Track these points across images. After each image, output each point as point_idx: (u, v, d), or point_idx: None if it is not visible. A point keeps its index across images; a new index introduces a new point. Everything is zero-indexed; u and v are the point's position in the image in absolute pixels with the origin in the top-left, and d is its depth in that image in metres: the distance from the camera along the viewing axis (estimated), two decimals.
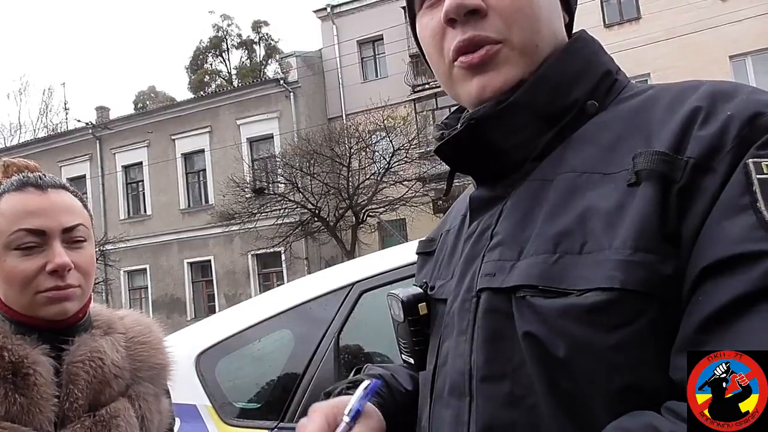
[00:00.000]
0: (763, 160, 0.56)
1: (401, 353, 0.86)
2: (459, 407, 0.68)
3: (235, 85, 26.83)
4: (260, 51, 36.86)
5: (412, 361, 0.84)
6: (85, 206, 1.12)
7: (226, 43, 36.77)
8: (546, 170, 0.70)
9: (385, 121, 17.58)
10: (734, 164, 0.57)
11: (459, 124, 0.75)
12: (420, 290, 0.83)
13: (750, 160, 0.56)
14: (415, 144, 17.72)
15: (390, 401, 0.84)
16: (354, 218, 17.27)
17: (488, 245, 0.71)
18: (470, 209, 0.79)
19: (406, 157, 17.46)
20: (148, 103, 35.15)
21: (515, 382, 0.63)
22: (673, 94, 0.66)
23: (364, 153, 17.56)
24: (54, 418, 0.98)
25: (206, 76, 36.50)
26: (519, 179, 0.72)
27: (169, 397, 1.21)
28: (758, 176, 0.55)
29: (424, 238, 0.97)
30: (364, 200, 17.24)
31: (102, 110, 24.89)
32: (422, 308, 0.81)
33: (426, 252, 0.94)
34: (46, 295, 1.01)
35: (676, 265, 0.57)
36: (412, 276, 1.68)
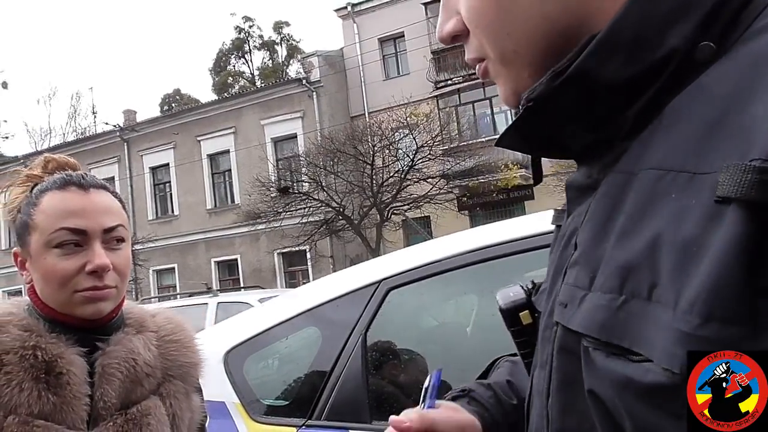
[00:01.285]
0: None
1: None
2: None
3: (258, 86, 27.01)
4: (282, 51, 37.15)
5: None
6: (124, 207, 1.13)
7: (248, 45, 37.11)
8: (633, 157, 0.50)
9: (408, 119, 17.56)
10: None
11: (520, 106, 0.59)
12: (523, 294, 0.70)
13: None
14: (439, 141, 17.67)
15: (496, 413, 0.78)
16: (378, 216, 17.29)
17: (571, 257, 0.55)
18: (566, 198, 0.62)
19: (429, 154, 17.41)
20: (173, 105, 35.59)
21: None
22: None
23: (387, 151, 17.56)
24: (86, 417, 0.99)
25: (229, 78, 36.86)
26: (610, 164, 0.53)
27: (201, 394, 1.22)
28: None
29: (559, 207, 0.74)
30: (388, 198, 17.24)
31: (129, 113, 25.31)
32: (525, 317, 0.69)
33: (558, 225, 0.71)
34: (84, 294, 1.02)
35: None
36: (440, 273, 1.68)
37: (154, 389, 1.09)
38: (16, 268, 1.11)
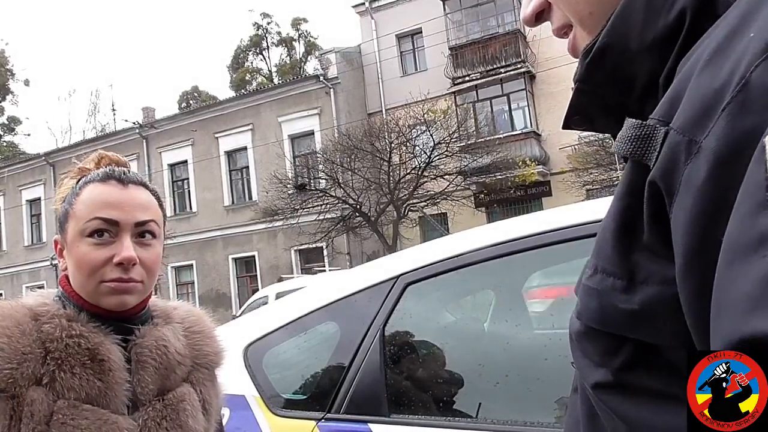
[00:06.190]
0: None
1: None
2: None
3: (276, 83, 27.11)
4: (300, 48, 37.26)
5: None
6: (161, 206, 1.16)
7: (266, 42, 37.24)
8: None
9: (425, 115, 17.53)
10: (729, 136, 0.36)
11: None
12: None
13: None
14: (456, 137, 17.62)
15: None
16: (395, 213, 17.30)
17: None
18: None
19: (446, 150, 17.38)
20: (191, 102, 35.84)
21: None
22: None
23: (404, 147, 17.56)
24: (127, 402, 1.04)
25: (247, 75, 37.03)
26: None
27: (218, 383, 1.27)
28: None
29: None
30: (405, 195, 17.25)
31: (148, 110, 25.52)
32: None
33: None
34: (110, 285, 1.05)
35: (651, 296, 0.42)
36: (457, 268, 1.69)
37: (185, 377, 1.14)
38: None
